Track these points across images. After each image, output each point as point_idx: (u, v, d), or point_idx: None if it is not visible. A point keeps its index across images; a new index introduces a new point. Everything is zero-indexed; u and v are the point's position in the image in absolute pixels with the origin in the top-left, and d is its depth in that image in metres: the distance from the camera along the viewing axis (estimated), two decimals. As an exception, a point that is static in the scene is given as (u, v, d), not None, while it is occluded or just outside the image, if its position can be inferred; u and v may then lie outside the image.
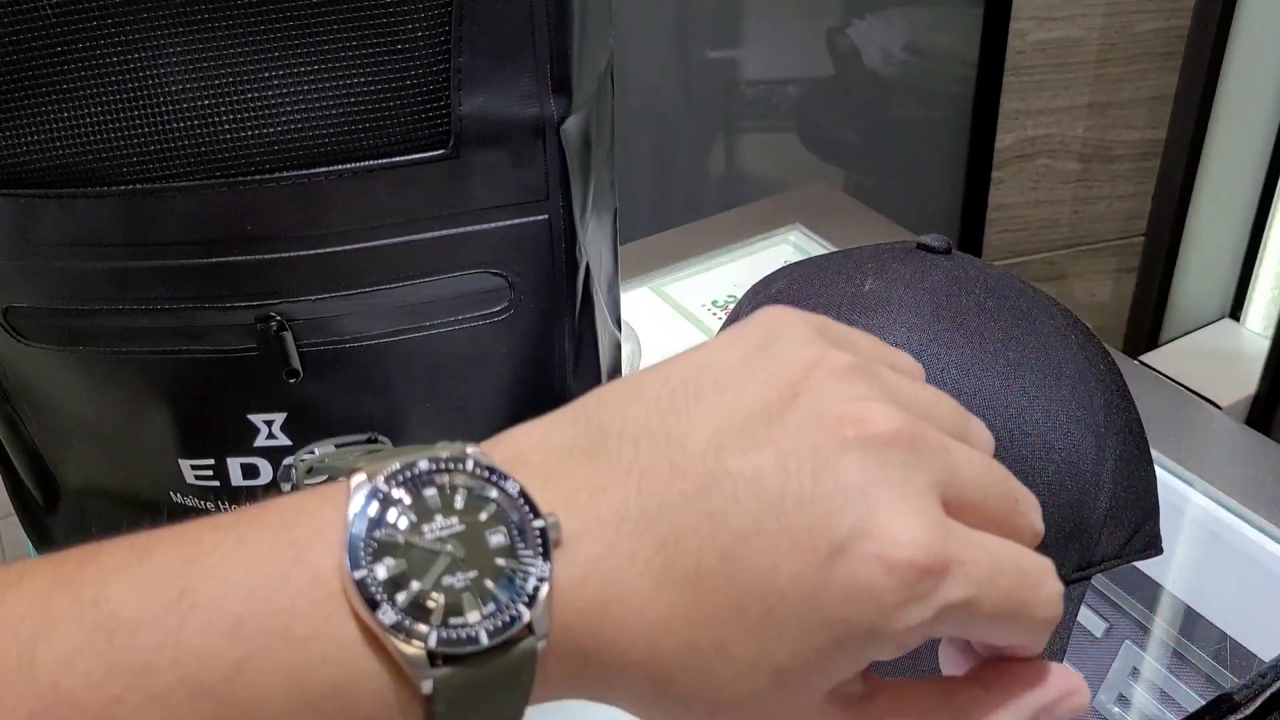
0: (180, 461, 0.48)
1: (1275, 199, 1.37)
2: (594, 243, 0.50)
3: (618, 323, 0.58)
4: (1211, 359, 1.41)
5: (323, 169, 0.42)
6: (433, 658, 0.23)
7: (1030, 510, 0.28)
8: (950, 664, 0.30)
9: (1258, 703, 0.45)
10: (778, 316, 0.28)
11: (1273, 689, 0.45)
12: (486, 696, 0.24)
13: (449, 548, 0.24)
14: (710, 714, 0.25)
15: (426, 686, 0.23)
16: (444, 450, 0.25)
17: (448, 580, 0.24)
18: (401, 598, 0.23)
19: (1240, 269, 1.45)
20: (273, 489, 0.48)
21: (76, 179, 0.42)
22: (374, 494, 0.24)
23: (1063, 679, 0.29)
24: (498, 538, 0.24)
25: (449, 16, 0.41)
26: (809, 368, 0.26)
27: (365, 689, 0.23)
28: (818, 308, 0.46)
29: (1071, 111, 1.40)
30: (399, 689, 0.23)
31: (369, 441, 0.30)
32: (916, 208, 1.45)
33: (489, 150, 0.43)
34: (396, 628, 0.23)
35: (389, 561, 0.24)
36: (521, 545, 0.24)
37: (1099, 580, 0.61)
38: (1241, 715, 0.45)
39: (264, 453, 0.47)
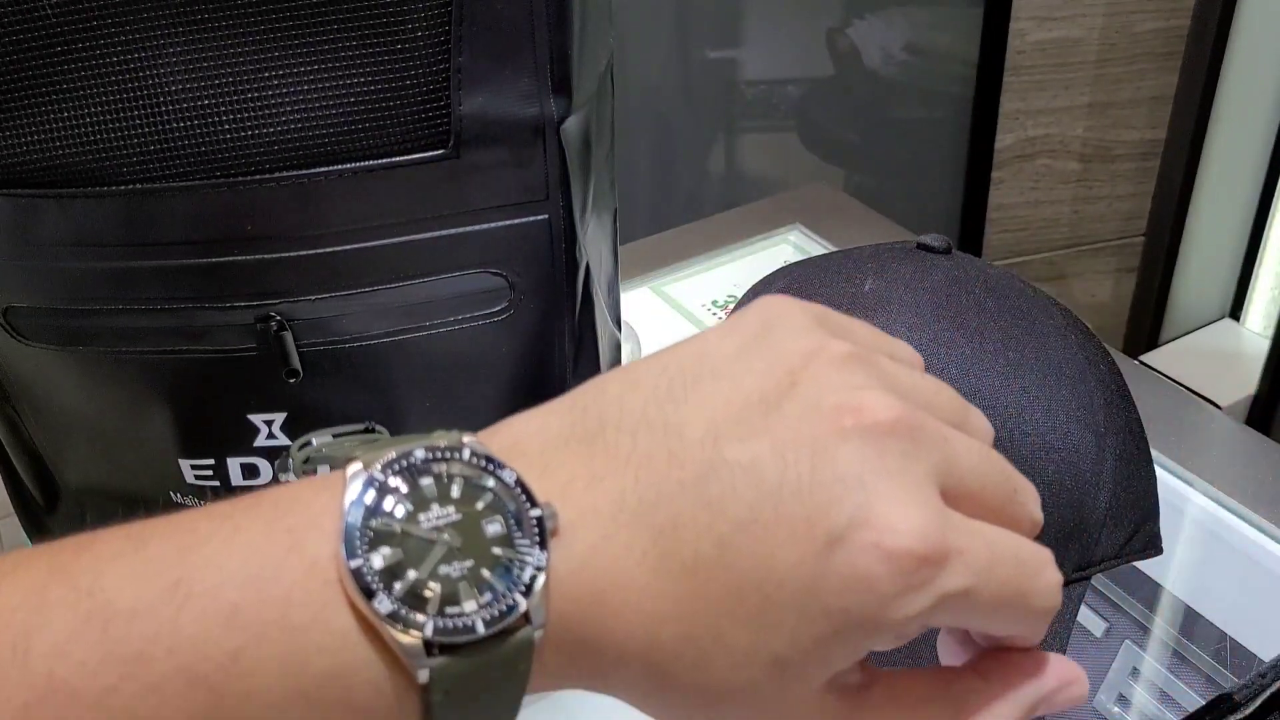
0: (180, 461, 0.48)
1: (1275, 199, 1.37)
2: (594, 243, 0.50)
3: (618, 323, 0.58)
4: (1211, 359, 1.41)
5: (322, 169, 0.42)
6: (429, 647, 0.23)
7: (1029, 500, 0.28)
8: (949, 654, 0.30)
9: (1258, 703, 0.45)
10: (776, 306, 0.28)
11: (1273, 689, 0.45)
12: (483, 686, 0.24)
13: (445, 537, 0.24)
14: (708, 704, 0.25)
15: (423, 676, 0.23)
16: (441, 439, 0.25)
17: (444, 569, 0.24)
18: (398, 587, 0.23)
19: (1240, 269, 1.45)
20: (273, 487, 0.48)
21: (76, 179, 0.42)
22: (370, 483, 0.24)
23: (1061, 669, 0.28)
24: (494, 527, 0.24)
25: (449, 16, 0.41)
26: (807, 357, 0.26)
27: (361, 678, 0.23)
28: (818, 308, 0.46)
29: (1071, 111, 1.40)
30: (395, 678, 0.23)
31: (366, 431, 0.30)
32: (916, 208, 1.45)
33: (489, 150, 0.43)
34: (393, 617, 0.23)
35: (385, 550, 0.23)
36: (518, 535, 0.24)
37: (1099, 580, 0.61)
38: (1241, 715, 0.45)
39: (264, 453, 0.47)
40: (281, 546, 0.24)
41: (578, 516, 0.25)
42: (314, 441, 0.29)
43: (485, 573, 0.24)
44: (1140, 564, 0.53)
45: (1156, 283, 1.46)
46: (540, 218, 0.45)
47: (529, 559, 0.24)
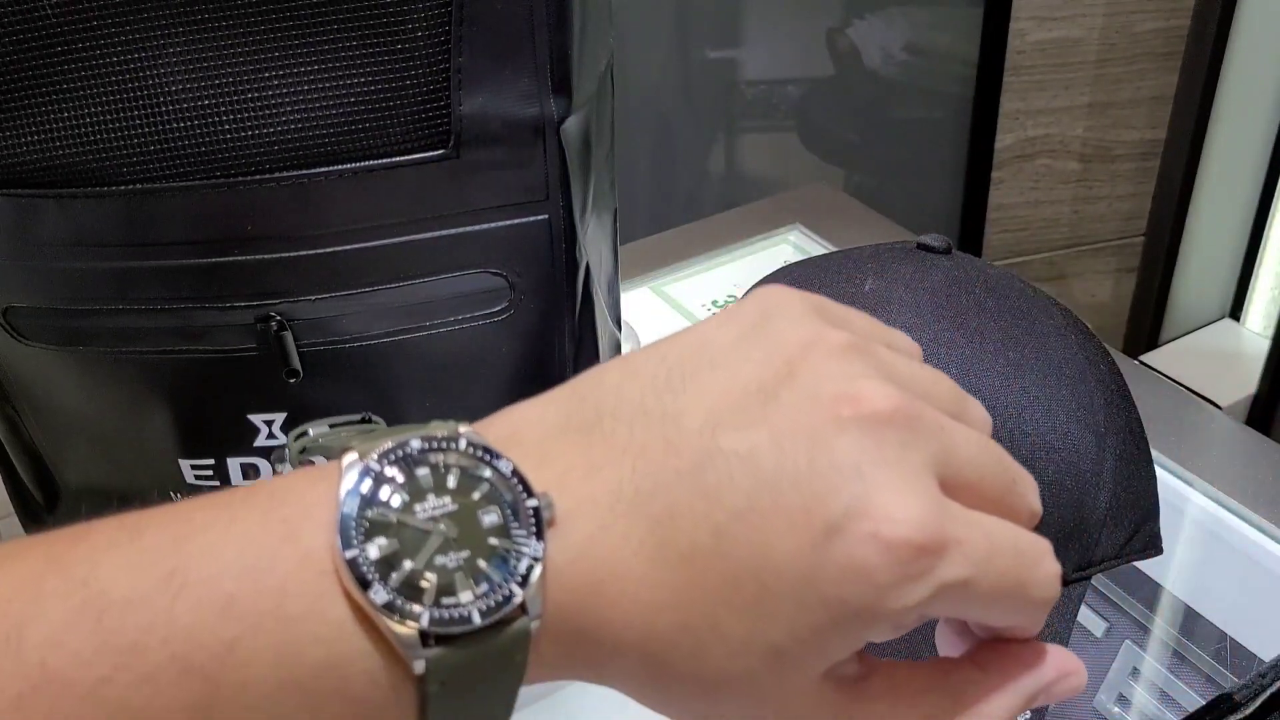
0: (180, 461, 0.48)
1: (1275, 199, 1.37)
2: (594, 243, 0.50)
3: (618, 323, 0.58)
4: (1211, 359, 1.41)
5: (322, 169, 0.42)
6: (425, 638, 0.23)
7: (1028, 490, 0.28)
8: (947, 645, 0.30)
9: (1258, 703, 0.45)
10: (774, 295, 0.28)
11: (1273, 689, 0.45)
12: (479, 676, 0.24)
13: (442, 527, 0.24)
14: (705, 693, 0.25)
15: (419, 666, 0.23)
16: (437, 429, 0.25)
17: (440, 560, 0.24)
18: (394, 577, 0.23)
19: (1240, 269, 1.44)
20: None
21: (76, 179, 0.42)
22: (366, 472, 0.24)
23: (1060, 660, 0.28)
24: (491, 517, 0.24)
25: (449, 16, 0.41)
26: (805, 346, 0.26)
27: (357, 669, 0.23)
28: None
29: (1071, 111, 1.40)
30: (391, 669, 0.23)
31: (363, 421, 0.29)
32: (916, 208, 1.45)
33: (489, 150, 0.43)
34: (388, 607, 0.23)
35: (381, 541, 0.23)
36: (515, 525, 0.24)
37: (1099, 580, 0.61)
38: (1241, 715, 0.45)
39: (264, 453, 0.47)
40: (277, 537, 0.23)
41: (575, 506, 0.25)
42: (310, 432, 0.29)
43: (481, 563, 0.24)
44: (1140, 564, 0.53)
45: (1156, 283, 1.46)
46: (540, 218, 0.45)
47: (525, 549, 0.24)
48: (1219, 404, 1.29)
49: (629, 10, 1.19)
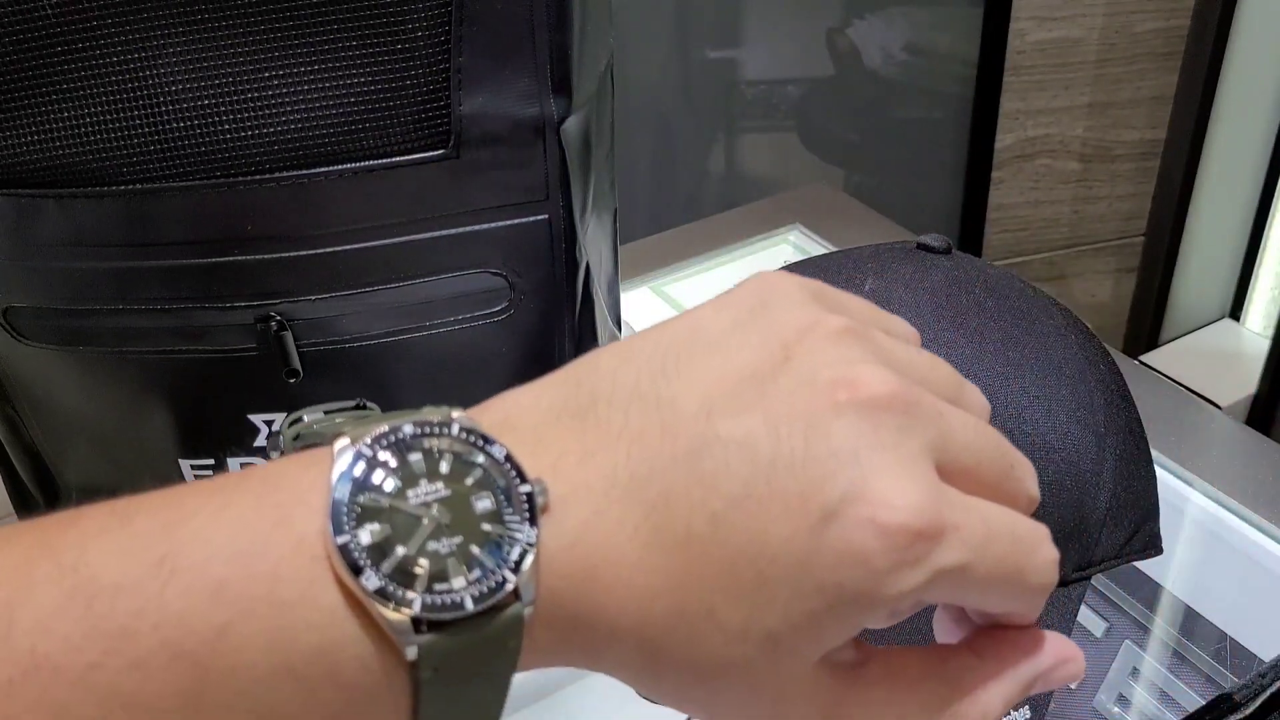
0: (180, 461, 0.48)
1: (1275, 199, 1.37)
2: (594, 243, 0.50)
3: (618, 323, 0.58)
4: (1211, 359, 1.41)
5: (322, 169, 0.42)
6: (417, 624, 0.23)
7: (1026, 476, 0.28)
8: (944, 632, 0.30)
9: (1258, 703, 0.45)
10: (771, 281, 0.28)
11: (1273, 689, 0.45)
12: (473, 663, 0.24)
13: (434, 513, 0.24)
14: (700, 680, 0.25)
15: (411, 653, 0.23)
16: (431, 415, 0.25)
17: (433, 546, 0.23)
18: (386, 563, 0.23)
19: (1240, 269, 1.44)
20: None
21: (76, 179, 0.42)
22: (358, 458, 0.24)
23: (1058, 647, 0.28)
24: (484, 503, 0.24)
25: (449, 16, 0.41)
26: (802, 331, 0.26)
27: (349, 655, 0.23)
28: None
29: (1071, 111, 1.40)
30: (383, 655, 0.23)
31: (358, 408, 0.29)
32: (916, 208, 1.45)
33: (489, 150, 0.43)
34: (381, 593, 0.23)
35: (373, 526, 0.23)
36: (508, 511, 0.24)
37: (1099, 580, 0.61)
38: (1241, 715, 0.45)
39: (264, 453, 0.47)
40: (269, 522, 0.23)
41: (569, 492, 0.25)
42: (305, 418, 0.29)
43: (474, 549, 0.24)
44: (1140, 564, 0.53)
45: (1156, 283, 1.46)
46: (540, 218, 0.45)
47: (519, 535, 0.24)
48: (1219, 404, 1.29)
49: (629, 10, 1.19)
